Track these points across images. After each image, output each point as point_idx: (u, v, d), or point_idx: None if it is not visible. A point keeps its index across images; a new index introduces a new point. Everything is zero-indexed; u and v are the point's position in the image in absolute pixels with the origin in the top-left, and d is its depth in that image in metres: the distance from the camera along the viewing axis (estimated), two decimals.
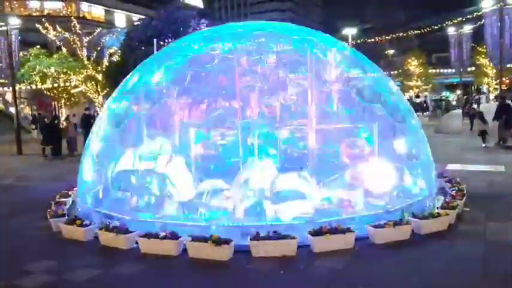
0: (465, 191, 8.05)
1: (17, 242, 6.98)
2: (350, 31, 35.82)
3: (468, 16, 28.59)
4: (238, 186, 6.88)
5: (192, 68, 7.72)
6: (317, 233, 5.93)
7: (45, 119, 18.89)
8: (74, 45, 31.29)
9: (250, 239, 5.87)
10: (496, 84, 36.20)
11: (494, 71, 35.24)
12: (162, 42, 22.59)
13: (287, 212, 6.59)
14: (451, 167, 11.63)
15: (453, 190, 8.14)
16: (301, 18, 77.45)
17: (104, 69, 31.08)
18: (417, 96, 44.48)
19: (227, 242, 5.77)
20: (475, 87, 48.82)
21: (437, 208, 7.13)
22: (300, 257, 5.74)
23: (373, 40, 36.89)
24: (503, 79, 22.18)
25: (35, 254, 6.30)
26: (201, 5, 66.43)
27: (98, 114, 21.32)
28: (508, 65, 22.23)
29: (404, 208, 6.88)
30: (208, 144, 7.65)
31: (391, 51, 47.04)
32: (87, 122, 17.20)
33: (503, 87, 22.94)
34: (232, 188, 6.94)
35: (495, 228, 6.73)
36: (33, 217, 8.15)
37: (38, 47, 33.05)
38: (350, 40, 34.20)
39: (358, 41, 35.92)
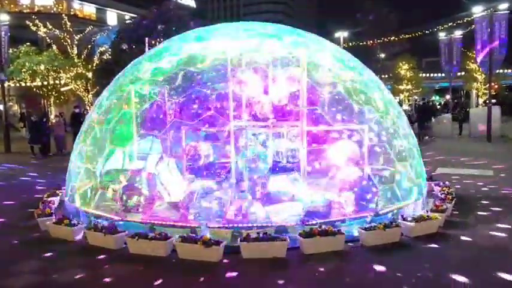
0: (454, 195, 8.13)
1: (4, 241, 6.86)
2: (342, 34, 36.10)
3: (459, 21, 28.87)
4: (229, 187, 6.85)
5: (183, 68, 7.67)
6: (307, 234, 5.94)
7: (32, 117, 18.28)
8: (64, 43, 30.99)
9: (241, 241, 5.85)
10: (485, 89, 36.60)
11: (484, 76, 35.66)
12: (153, 41, 22.52)
13: (278, 214, 6.58)
14: (440, 170, 11.74)
15: (442, 193, 8.20)
16: (295, 20, 77.64)
17: (94, 68, 30.86)
18: (422, 99, 44.59)
19: (217, 243, 5.75)
20: (464, 91, 49.27)
21: (427, 211, 7.18)
22: (290, 258, 5.73)
23: (364, 43, 37.12)
24: (492, 84, 22.37)
25: (22, 253, 6.20)
26: (193, 5, 66.28)
27: (87, 112, 21.12)
28: (497, 71, 22.54)
29: (394, 211, 6.91)
30: (199, 144, 7.60)
31: (382, 55, 47.39)
32: (77, 121, 17.01)
33: (492, 92, 23.18)
34: (222, 189, 6.91)
35: (483, 231, 6.79)
36: (20, 216, 8.04)
37: (28, 44, 32.62)
38: (342, 43, 34.39)
39: (350, 44, 36.12)
